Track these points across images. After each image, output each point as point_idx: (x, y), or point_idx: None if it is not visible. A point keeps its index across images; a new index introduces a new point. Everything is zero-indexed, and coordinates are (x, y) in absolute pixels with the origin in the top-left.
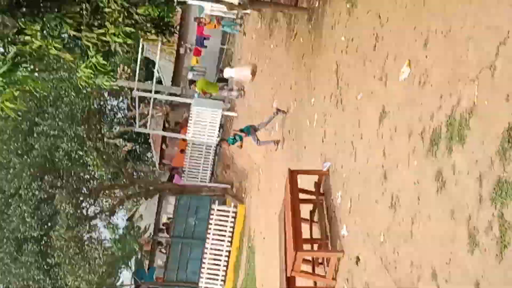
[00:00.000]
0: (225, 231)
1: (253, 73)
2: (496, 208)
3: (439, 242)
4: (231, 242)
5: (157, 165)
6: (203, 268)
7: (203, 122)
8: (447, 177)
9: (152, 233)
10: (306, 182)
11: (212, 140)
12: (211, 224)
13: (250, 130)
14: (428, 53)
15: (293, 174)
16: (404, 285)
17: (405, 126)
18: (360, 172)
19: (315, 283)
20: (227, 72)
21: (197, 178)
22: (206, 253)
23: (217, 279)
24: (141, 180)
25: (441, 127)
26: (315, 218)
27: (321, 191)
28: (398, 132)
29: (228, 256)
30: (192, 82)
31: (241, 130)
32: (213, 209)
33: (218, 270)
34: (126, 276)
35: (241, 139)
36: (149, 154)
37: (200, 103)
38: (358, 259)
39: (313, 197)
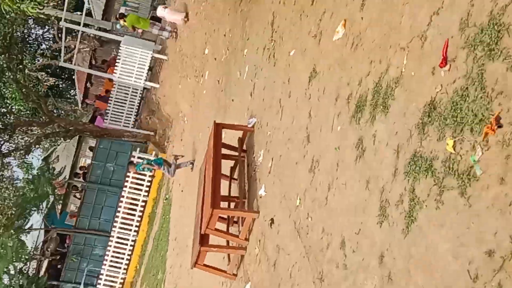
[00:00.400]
0: (143, 180)
1: (186, 17)
2: (409, 182)
3: (352, 211)
4: (148, 192)
5: (79, 105)
6: (117, 217)
7: (132, 63)
8: (367, 146)
9: (67, 177)
10: (230, 136)
11: (140, 83)
12: (129, 172)
13: (163, 163)
14: (364, 15)
15: (217, 128)
16: (313, 252)
17: (333, 89)
18: (284, 132)
19: (228, 242)
20: (160, 12)
21: (120, 122)
22: (122, 201)
23: (131, 230)
24: (61, 119)
25: (368, 94)
26: (236, 175)
27: (244, 147)
28: (326, 94)
29: (144, 207)
30: (122, 16)
31: (153, 162)
32: (133, 156)
33: (133, 220)
34: (36, 219)
35: (150, 171)
36: (72, 92)
37: (131, 42)
38: (272, 221)
39: (236, 153)
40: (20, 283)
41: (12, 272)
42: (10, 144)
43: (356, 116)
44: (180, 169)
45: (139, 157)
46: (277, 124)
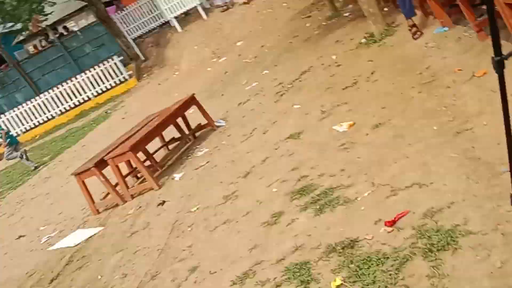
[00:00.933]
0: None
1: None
2: None
3: (224, 257)
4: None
5: None
6: (58, 87)
7: None
8: (282, 220)
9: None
10: (194, 117)
11: (169, 15)
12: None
13: (12, 145)
14: (372, 135)
15: (192, 100)
16: (168, 253)
17: (290, 165)
18: (234, 154)
19: (114, 185)
20: None
21: (127, 27)
22: (76, 78)
23: (58, 106)
24: None
25: (319, 191)
26: (170, 148)
27: (196, 135)
28: (283, 164)
29: (85, 100)
30: None
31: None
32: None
33: (67, 102)
34: None
35: None
36: None
37: None
38: (163, 203)
39: (187, 132)
40: None
41: None
42: None
43: (294, 197)
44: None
45: None
46: (235, 143)
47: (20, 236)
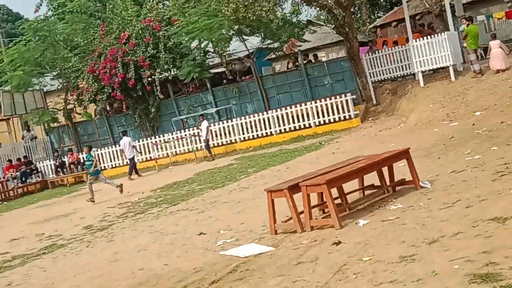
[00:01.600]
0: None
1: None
2: None
3: None
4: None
5: (368, 26)
6: (283, 109)
7: (434, 51)
8: None
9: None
10: (403, 171)
11: (418, 68)
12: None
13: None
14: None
15: (405, 155)
16: None
17: None
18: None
19: (300, 212)
20: (494, 43)
21: (380, 68)
22: (305, 105)
23: (279, 125)
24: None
25: None
26: (367, 193)
27: (396, 189)
28: None
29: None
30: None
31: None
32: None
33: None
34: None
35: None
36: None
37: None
38: (338, 243)
39: (388, 183)
40: None
41: None
42: None
43: (474, 280)
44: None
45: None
46: (432, 208)
47: (201, 233)
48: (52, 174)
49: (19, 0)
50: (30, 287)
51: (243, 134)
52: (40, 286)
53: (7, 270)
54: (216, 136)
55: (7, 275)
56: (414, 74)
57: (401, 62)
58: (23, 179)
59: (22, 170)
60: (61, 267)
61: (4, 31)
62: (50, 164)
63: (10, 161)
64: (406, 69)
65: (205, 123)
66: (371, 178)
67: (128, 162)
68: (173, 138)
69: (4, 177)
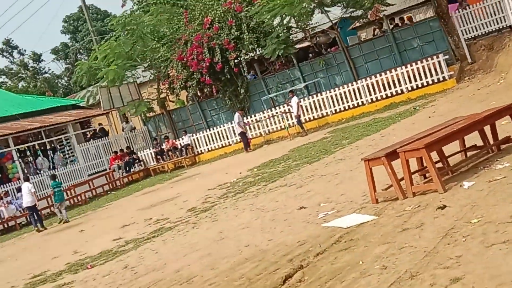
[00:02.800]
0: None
1: None
2: None
3: None
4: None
5: None
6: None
7: None
8: None
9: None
10: (508, 128)
11: None
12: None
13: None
14: None
15: (508, 111)
16: (432, 260)
17: None
18: None
19: (400, 179)
20: None
21: (464, 27)
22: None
23: (375, 92)
24: None
25: None
26: (469, 154)
27: (501, 148)
28: None
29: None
30: None
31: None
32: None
33: (383, 89)
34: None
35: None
36: None
37: None
38: (443, 207)
39: (492, 143)
40: None
41: None
42: None
43: None
44: None
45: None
46: None
47: (301, 207)
48: (153, 161)
49: None
50: (145, 268)
51: (334, 106)
52: (154, 267)
53: (122, 254)
54: (307, 110)
55: (122, 259)
56: (510, 26)
57: (496, 15)
58: (127, 168)
59: (126, 160)
60: (171, 248)
61: (95, 29)
62: (150, 152)
63: (115, 152)
64: (502, 22)
65: (295, 99)
66: (473, 139)
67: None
68: (264, 117)
69: (110, 168)
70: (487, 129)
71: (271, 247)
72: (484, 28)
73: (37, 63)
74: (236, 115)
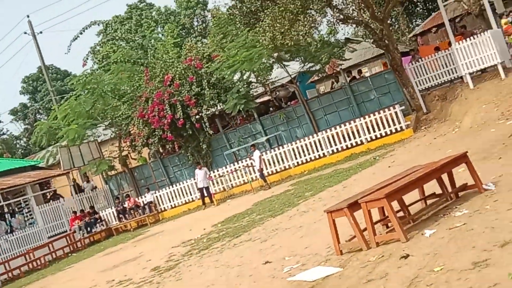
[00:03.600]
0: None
1: None
2: None
3: None
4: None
5: (407, 36)
6: (334, 129)
7: (479, 50)
8: None
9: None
10: (464, 176)
11: (466, 70)
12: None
13: None
14: None
15: (463, 159)
16: None
17: None
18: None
19: (363, 229)
20: None
21: (416, 79)
22: (354, 122)
23: (331, 146)
24: (390, 34)
25: None
26: (429, 202)
27: (459, 195)
28: None
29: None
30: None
31: None
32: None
33: (341, 142)
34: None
35: None
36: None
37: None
38: (406, 257)
39: (450, 190)
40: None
41: None
42: None
43: None
44: None
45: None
46: (500, 210)
47: (266, 262)
48: (115, 220)
49: (66, 58)
50: None
51: (296, 159)
52: None
53: None
54: (270, 164)
55: None
56: (461, 77)
57: (447, 67)
58: (88, 229)
59: (87, 220)
60: None
61: (54, 89)
62: (112, 212)
63: (75, 212)
64: (453, 73)
65: (257, 153)
66: (432, 187)
67: (205, 193)
68: (227, 171)
69: (71, 229)
70: (445, 177)
71: None
72: (436, 79)
73: None
74: (204, 170)
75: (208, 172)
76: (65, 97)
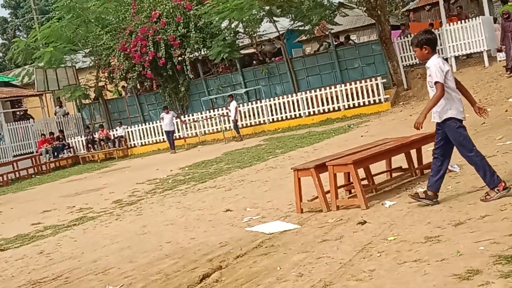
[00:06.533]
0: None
1: None
2: None
3: None
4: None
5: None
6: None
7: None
8: None
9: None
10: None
11: (481, 47)
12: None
13: None
14: None
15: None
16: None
17: None
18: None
19: (326, 192)
20: None
21: (400, 54)
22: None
23: (303, 108)
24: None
25: None
26: (394, 175)
27: (424, 172)
28: None
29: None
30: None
31: None
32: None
33: (319, 105)
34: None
35: None
36: None
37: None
38: (363, 223)
39: (416, 166)
40: None
41: None
42: None
43: (499, 261)
44: None
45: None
46: (460, 191)
47: (227, 210)
48: (84, 150)
49: None
50: (61, 255)
51: (272, 115)
52: (71, 255)
53: (39, 239)
54: (245, 117)
55: (39, 244)
56: (447, 59)
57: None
58: (55, 153)
59: (55, 145)
60: (91, 238)
61: (38, 7)
62: (82, 140)
63: (43, 135)
64: (440, 54)
65: (233, 104)
66: (399, 161)
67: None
68: (202, 117)
69: (37, 151)
70: (414, 153)
71: (193, 245)
72: None
73: None
74: (171, 114)
75: (175, 115)
76: (47, 17)
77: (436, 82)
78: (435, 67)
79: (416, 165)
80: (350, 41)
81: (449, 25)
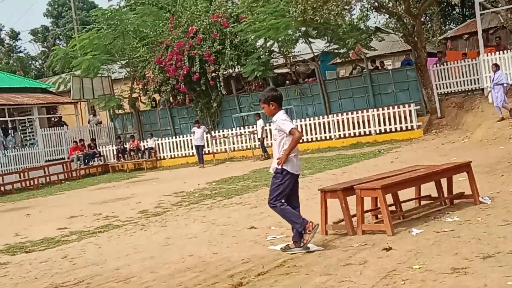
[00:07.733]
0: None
1: None
2: None
3: None
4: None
5: (438, 36)
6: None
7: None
8: None
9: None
10: (463, 185)
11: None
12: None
13: None
14: None
15: (466, 168)
16: None
17: None
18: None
19: (352, 215)
20: None
21: (432, 84)
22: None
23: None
24: (422, 32)
25: None
26: (423, 203)
27: (454, 202)
28: None
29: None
30: None
31: None
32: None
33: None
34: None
35: None
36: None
37: None
38: (388, 249)
39: (445, 195)
40: None
41: None
42: None
43: None
44: None
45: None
46: (490, 224)
47: (252, 227)
48: (114, 159)
49: None
50: (84, 261)
51: (306, 136)
52: (94, 261)
53: (64, 244)
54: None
55: (64, 248)
56: (483, 89)
57: (470, 76)
58: (86, 161)
59: (86, 152)
60: (114, 246)
61: (78, 18)
62: (112, 149)
63: (76, 142)
64: (475, 84)
65: (260, 122)
66: (429, 189)
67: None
68: (232, 134)
69: (69, 158)
70: (444, 182)
71: (215, 260)
72: (457, 86)
73: (14, 40)
74: (202, 128)
75: (206, 130)
76: (87, 28)
77: (291, 130)
78: (281, 120)
79: (446, 195)
80: (385, 67)
81: (487, 55)
